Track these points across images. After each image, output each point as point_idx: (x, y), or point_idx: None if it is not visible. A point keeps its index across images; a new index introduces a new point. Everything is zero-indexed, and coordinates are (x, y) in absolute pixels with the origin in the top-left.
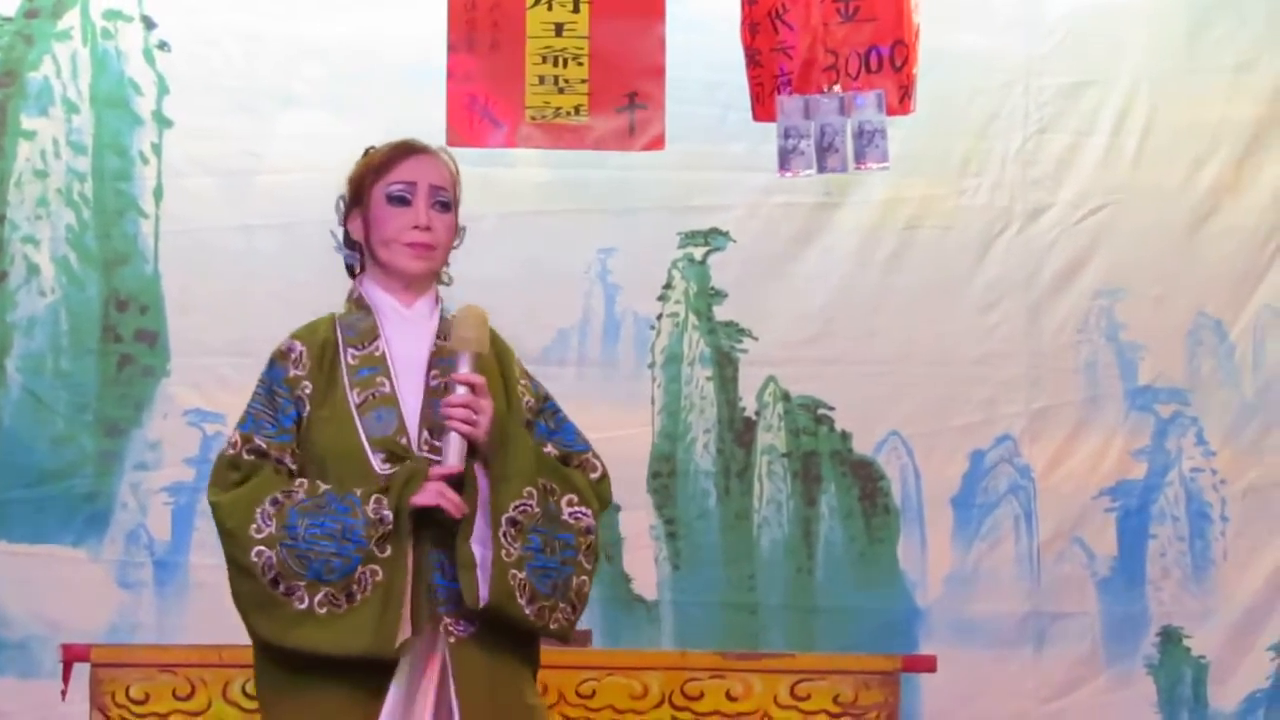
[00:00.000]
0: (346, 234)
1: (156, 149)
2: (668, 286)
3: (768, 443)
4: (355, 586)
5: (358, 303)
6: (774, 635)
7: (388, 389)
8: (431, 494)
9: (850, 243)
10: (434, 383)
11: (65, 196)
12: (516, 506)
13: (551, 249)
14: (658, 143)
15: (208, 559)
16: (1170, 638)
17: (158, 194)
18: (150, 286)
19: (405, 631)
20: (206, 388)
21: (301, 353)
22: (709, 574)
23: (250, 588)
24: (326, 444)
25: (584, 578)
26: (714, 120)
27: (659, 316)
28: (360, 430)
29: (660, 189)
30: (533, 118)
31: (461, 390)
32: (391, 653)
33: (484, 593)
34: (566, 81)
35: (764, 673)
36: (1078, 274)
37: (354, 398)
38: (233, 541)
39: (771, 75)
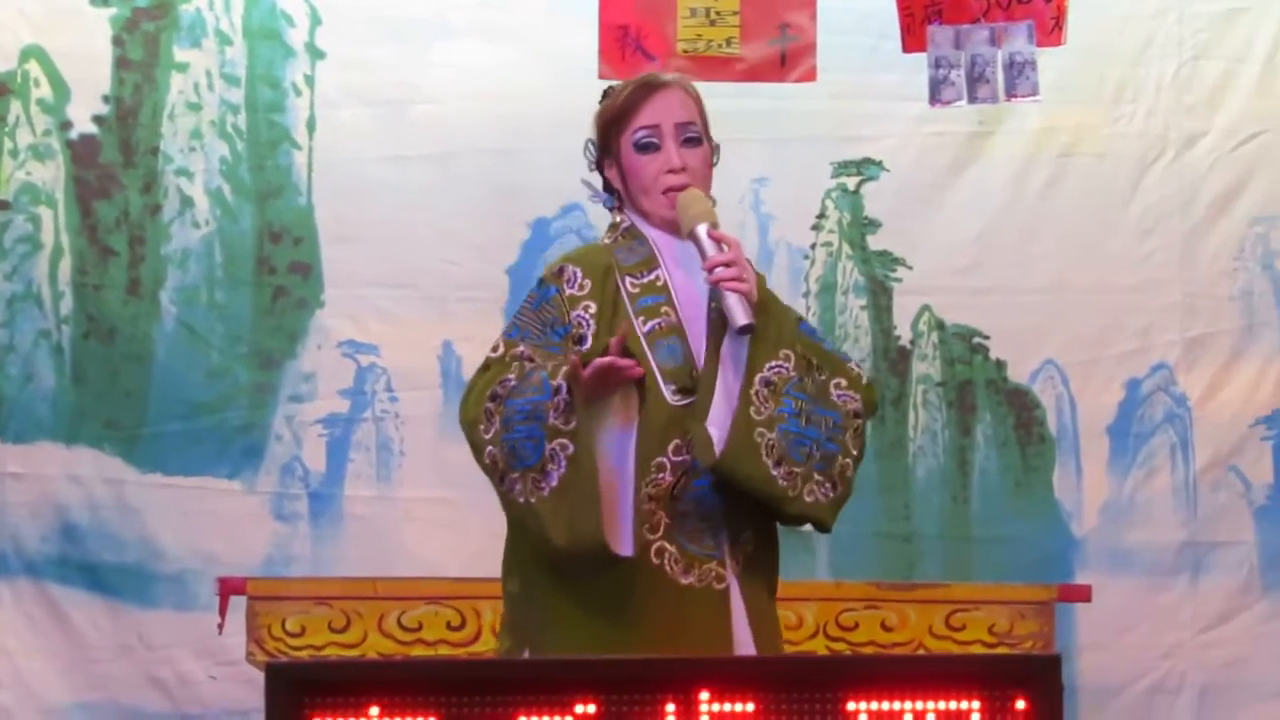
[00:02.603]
0: (605, 181)
1: (310, 80)
2: (821, 216)
3: (922, 372)
4: (550, 464)
5: (629, 232)
6: (929, 565)
7: (674, 319)
8: (593, 369)
9: (1004, 171)
10: (715, 314)
11: (218, 129)
12: (771, 367)
13: None
14: (810, 75)
15: (362, 491)
16: None
17: (311, 125)
18: (304, 218)
19: (619, 521)
20: (361, 319)
21: (576, 273)
22: (864, 504)
23: (500, 495)
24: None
25: (848, 460)
26: (867, 49)
27: (813, 246)
28: (652, 360)
29: (813, 119)
30: (684, 50)
31: (711, 250)
32: (596, 540)
33: (720, 447)
34: (718, 14)
35: (919, 603)
36: (1233, 201)
37: (640, 326)
38: (472, 449)
39: (922, 5)
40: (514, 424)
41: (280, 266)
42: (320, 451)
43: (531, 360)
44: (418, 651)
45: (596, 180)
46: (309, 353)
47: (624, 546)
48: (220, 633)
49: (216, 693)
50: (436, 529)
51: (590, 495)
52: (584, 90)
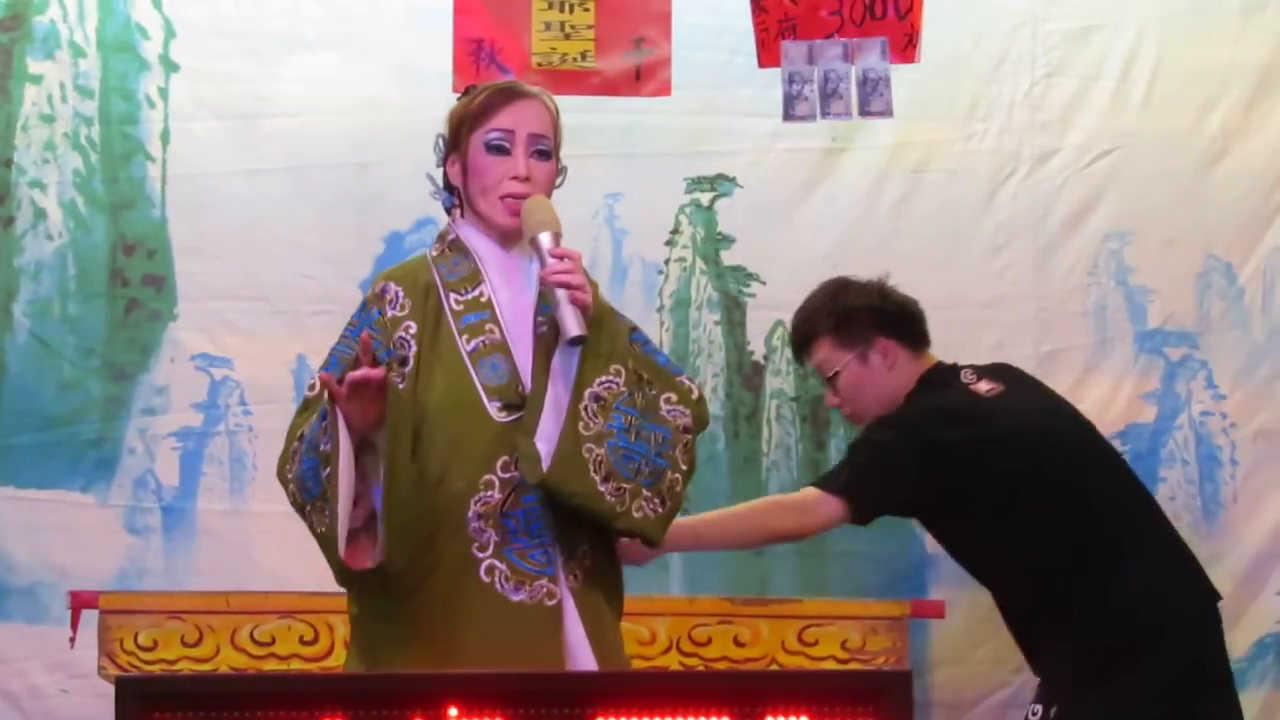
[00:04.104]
0: (445, 177)
1: (163, 93)
2: (675, 231)
3: (776, 387)
4: (329, 489)
5: (454, 245)
6: (782, 581)
7: (498, 336)
8: (347, 385)
9: (857, 187)
10: (542, 329)
11: (72, 140)
12: (601, 382)
13: (558, 194)
14: (664, 89)
15: (216, 504)
16: None
17: (165, 138)
18: (158, 231)
19: (367, 542)
20: (214, 332)
21: (398, 293)
22: None
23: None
24: (439, 394)
25: (678, 475)
26: (721, 65)
27: (666, 261)
28: (475, 379)
29: (667, 134)
30: (539, 64)
31: (551, 258)
32: (338, 562)
33: (547, 462)
34: (573, 27)
35: (772, 618)
36: (1086, 218)
37: (464, 345)
38: (286, 492)
39: (776, 20)
40: (301, 457)
41: (133, 279)
42: (173, 465)
43: None
44: (270, 666)
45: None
46: (162, 366)
47: (361, 559)
48: (72, 646)
49: (68, 706)
50: (289, 543)
51: (333, 519)
52: (438, 104)
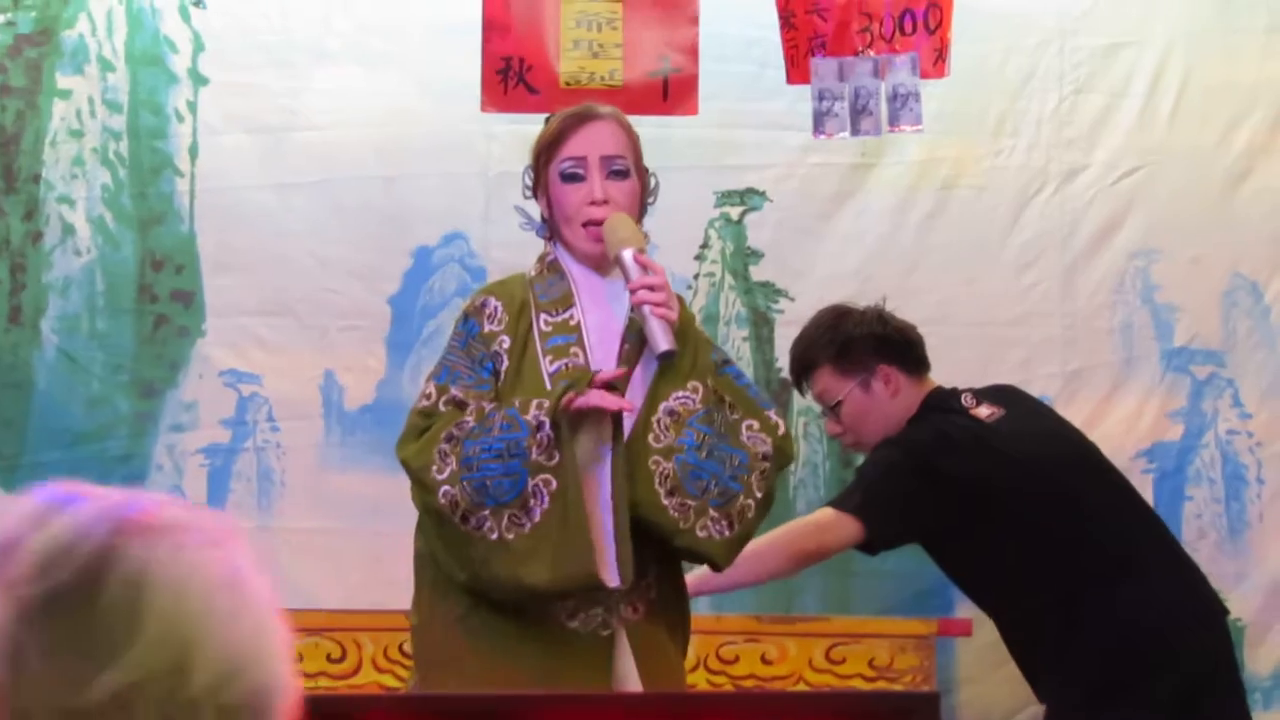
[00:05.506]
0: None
1: (192, 106)
2: (704, 246)
3: (804, 404)
4: (533, 500)
5: (551, 266)
6: (809, 599)
7: (581, 360)
8: (593, 397)
9: (886, 203)
10: (626, 350)
11: (101, 155)
12: (677, 397)
13: None
14: (692, 108)
15: (243, 521)
16: None
17: (193, 152)
18: (186, 245)
19: (604, 549)
20: (242, 348)
21: (497, 308)
22: None
23: (450, 533)
24: None
25: (750, 502)
26: (750, 78)
27: (696, 276)
28: None
29: (696, 148)
30: (567, 83)
31: (636, 274)
32: (588, 573)
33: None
34: (601, 46)
35: (799, 636)
36: (1113, 235)
37: (546, 366)
38: (423, 489)
39: (806, 37)
40: (481, 463)
41: (162, 294)
42: (201, 481)
43: (464, 405)
44: (297, 684)
45: (532, 207)
46: (190, 382)
47: (612, 578)
48: None
49: None
50: (317, 560)
51: (581, 529)
52: (465, 117)
